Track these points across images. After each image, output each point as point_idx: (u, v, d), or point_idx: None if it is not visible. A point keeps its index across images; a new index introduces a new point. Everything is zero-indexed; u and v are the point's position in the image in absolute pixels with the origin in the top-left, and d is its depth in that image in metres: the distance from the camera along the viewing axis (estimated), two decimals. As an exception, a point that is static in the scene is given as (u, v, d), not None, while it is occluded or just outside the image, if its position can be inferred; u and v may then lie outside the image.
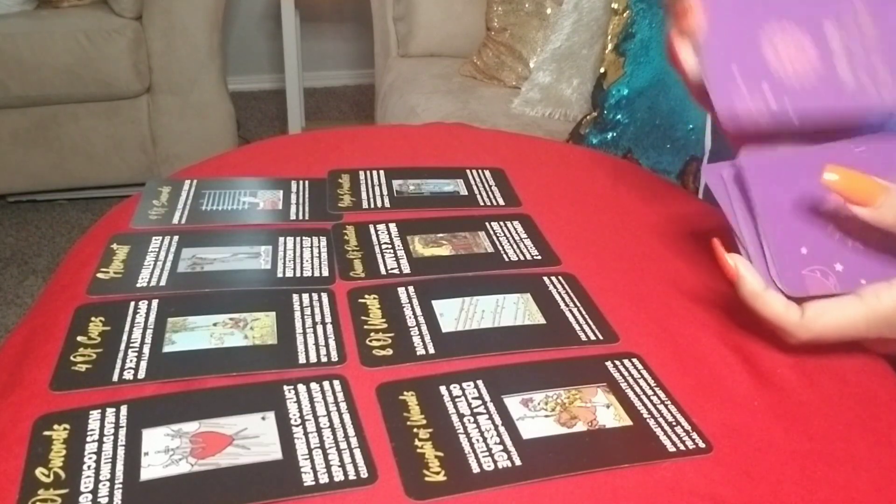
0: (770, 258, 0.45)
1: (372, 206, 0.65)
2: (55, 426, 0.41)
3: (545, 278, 0.56)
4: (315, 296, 0.53)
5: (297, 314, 0.51)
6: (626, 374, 0.47)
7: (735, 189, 0.47)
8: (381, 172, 0.70)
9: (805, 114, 0.46)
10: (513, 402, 0.44)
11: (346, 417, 0.42)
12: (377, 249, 0.59)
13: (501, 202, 0.67)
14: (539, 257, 0.59)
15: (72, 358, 0.46)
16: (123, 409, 0.42)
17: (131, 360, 0.46)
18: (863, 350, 0.50)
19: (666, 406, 0.44)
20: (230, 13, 2.83)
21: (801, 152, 0.48)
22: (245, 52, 3.06)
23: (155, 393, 0.44)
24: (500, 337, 0.50)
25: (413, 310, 0.52)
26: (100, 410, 0.42)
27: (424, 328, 0.50)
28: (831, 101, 0.46)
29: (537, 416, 0.43)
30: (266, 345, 0.48)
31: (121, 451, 0.39)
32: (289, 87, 2.53)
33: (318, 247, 0.59)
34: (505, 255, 0.59)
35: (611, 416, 0.43)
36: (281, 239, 0.59)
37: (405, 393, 0.44)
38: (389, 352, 0.48)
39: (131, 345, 0.47)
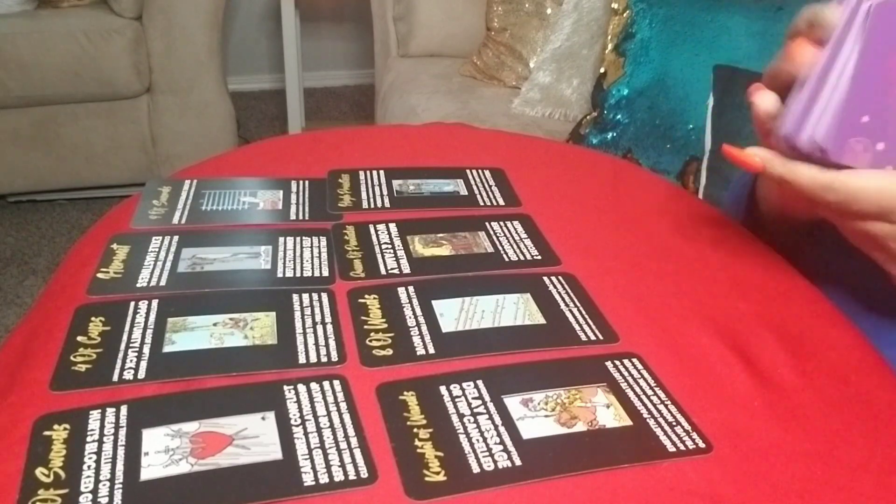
0: (832, 109, 0.44)
1: (372, 206, 0.65)
2: (55, 426, 0.41)
3: (545, 278, 0.56)
4: (315, 296, 0.53)
5: (297, 314, 0.51)
6: (626, 374, 0.47)
7: (858, 22, 0.45)
8: (381, 172, 0.70)
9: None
10: (513, 402, 0.44)
11: (346, 417, 0.42)
12: (377, 249, 0.59)
13: (501, 202, 0.67)
14: (539, 257, 0.59)
15: (72, 358, 0.46)
16: (123, 409, 0.42)
17: (131, 360, 0.46)
18: (863, 350, 0.50)
19: (666, 406, 0.44)
20: (230, 13, 2.83)
21: None
22: (245, 52, 3.06)
23: (155, 393, 0.44)
24: (500, 337, 0.50)
25: (413, 310, 0.52)
26: (100, 410, 0.42)
27: (424, 328, 0.50)
28: None
29: (537, 416, 0.43)
30: (266, 345, 0.48)
31: (121, 451, 0.39)
32: (289, 87, 2.53)
33: (318, 247, 0.59)
34: (505, 255, 0.59)
35: (611, 416, 0.43)
36: (281, 239, 0.59)
37: (405, 393, 0.44)
38: (389, 352, 0.48)
39: (131, 345, 0.47)
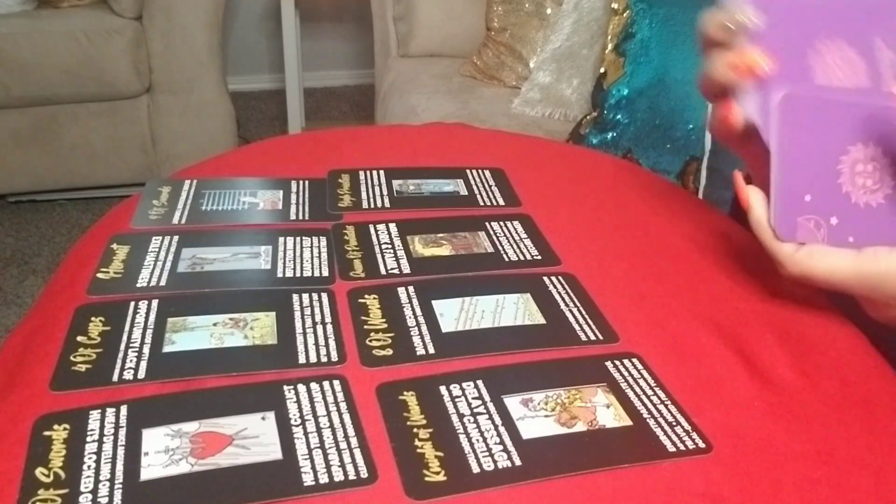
0: (773, 198, 0.46)
1: (372, 206, 0.65)
2: (55, 426, 0.41)
3: (545, 278, 0.56)
4: (315, 296, 0.53)
5: (297, 314, 0.51)
6: (626, 374, 0.47)
7: (774, 116, 0.46)
8: (381, 172, 0.70)
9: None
10: (513, 402, 0.44)
11: (346, 417, 0.42)
12: (377, 249, 0.59)
13: (501, 202, 0.67)
14: (539, 257, 0.59)
15: (72, 358, 0.46)
16: (123, 409, 0.42)
17: (131, 360, 0.46)
18: (863, 350, 0.50)
19: (666, 406, 0.44)
20: (230, 13, 2.83)
21: (850, 100, 0.47)
22: (245, 52, 3.06)
23: (155, 393, 0.44)
24: (500, 337, 0.50)
25: (413, 310, 0.52)
26: (100, 410, 0.42)
27: (424, 328, 0.50)
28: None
29: (537, 416, 0.43)
30: (266, 345, 0.48)
31: (121, 451, 0.39)
32: (289, 87, 2.53)
33: (318, 247, 0.59)
34: (505, 255, 0.59)
35: (611, 416, 0.43)
36: (281, 239, 0.59)
37: (405, 393, 0.44)
38: (389, 352, 0.48)
39: (131, 345, 0.47)
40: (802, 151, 0.45)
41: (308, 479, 0.38)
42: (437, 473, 0.39)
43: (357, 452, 0.40)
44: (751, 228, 0.48)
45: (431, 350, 0.48)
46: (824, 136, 0.46)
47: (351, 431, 0.41)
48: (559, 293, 0.54)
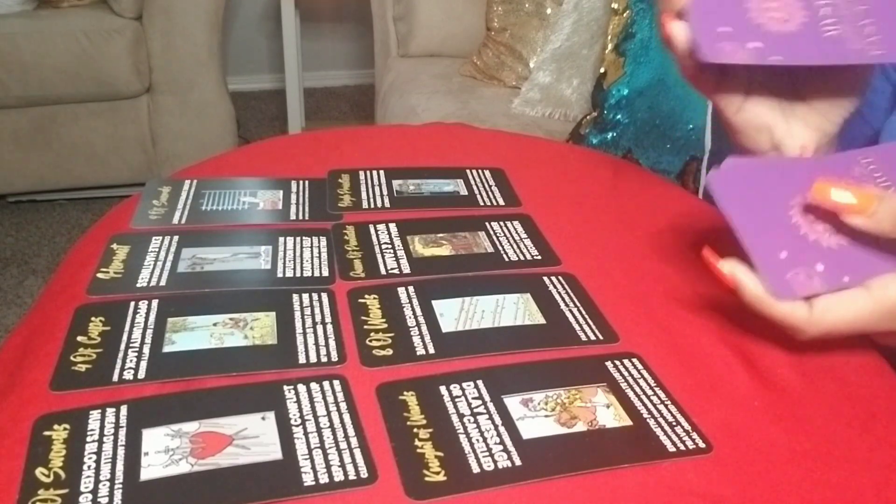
0: (756, 266, 0.46)
1: (372, 206, 0.65)
2: (55, 426, 0.41)
3: (545, 278, 0.56)
4: (315, 296, 0.53)
5: (297, 314, 0.51)
6: (626, 374, 0.47)
7: (716, 190, 0.47)
8: (381, 172, 0.70)
9: (786, 55, 0.47)
10: (513, 402, 0.44)
11: (346, 417, 0.42)
12: (377, 249, 0.59)
13: (501, 202, 0.67)
14: (539, 257, 0.59)
15: (72, 358, 0.46)
16: (123, 409, 0.42)
17: (131, 360, 0.46)
18: (863, 350, 0.50)
19: (666, 406, 0.44)
20: (230, 13, 2.83)
21: (790, 161, 0.49)
22: (245, 52, 3.06)
23: (155, 393, 0.44)
24: (500, 337, 0.50)
25: (413, 310, 0.52)
26: (100, 410, 0.42)
27: (424, 328, 0.50)
28: (813, 51, 0.47)
29: (537, 416, 0.43)
30: (266, 345, 0.48)
31: (121, 451, 0.39)
32: (289, 87, 2.53)
33: (318, 247, 0.59)
34: (505, 255, 0.59)
35: (611, 416, 0.43)
36: (281, 239, 0.59)
37: (405, 393, 0.44)
38: (389, 352, 0.48)
39: (131, 345, 0.47)
40: (755, 214, 0.46)
41: (308, 479, 0.38)
42: (437, 473, 0.39)
43: (357, 452, 0.40)
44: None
45: (431, 350, 0.48)
46: (767, 195, 0.46)
47: (351, 431, 0.41)
48: (559, 293, 0.54)
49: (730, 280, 0.46)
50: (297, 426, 0.42)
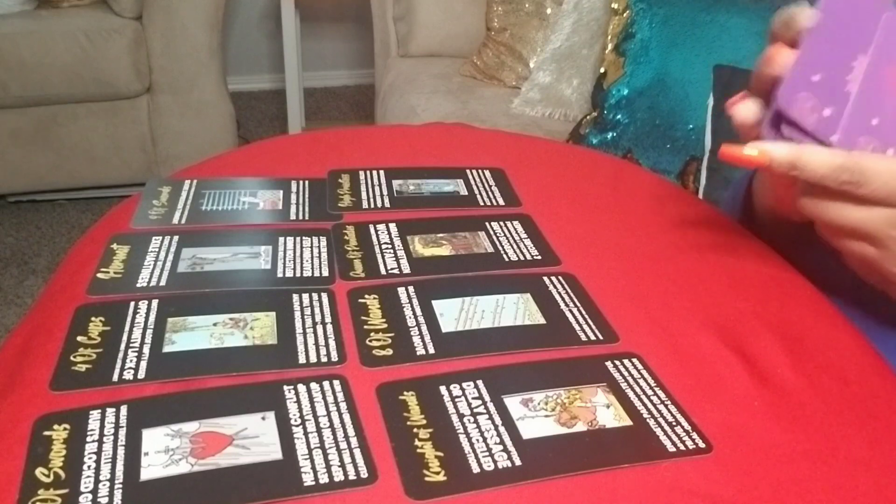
0: (792, 67, 0.46)
1: (372, 206, 0.65)
2: (55, 426, 0.41)
3: (545, 278, 0.56)
4: (315, 296, 0.53)
5: (297, 314, 0.51)
6: (626, 374, 0.47)
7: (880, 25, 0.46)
8: (381, 172, 0.70)
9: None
10: (513, 402, 0.44)
11: (346, 417, 0.42)
12: (377, 249, 0.59)
13: (501, 202, 0.67)
14: (539, 257, 0.59)
15: (72, 358, 0.46)
16: (123, 409, 0.42)
17: (131, 360, 0.46)
18: (863, 350, 0.50)
19: (666, 406, 0.44)
20: (230, 13, 2.83)
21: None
22: (245, 52, 3.06)
23: (155, 393, 0.44)
24: (500, 337, 0.50)
25: (413, 310, 0.52)
26: (100, 410, 0.42)
27: (424, 328, 0.50)
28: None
29: (537, 416, 0.43)
30: (266, 345, 0.48)
31: (121, 451, 0.39)
32: (289, 87, 2.53)
33: (318, 247, 0.59)
34: (505, 255, 0.59)
35: (611, 416, 0.43)
36: (281, 239, 0.59)
37: (405, 393, 0.44)
38: (389, 352, 0.48)
39: (131, 345, 0.47)
40: (837, 29, 0.45)
41: (308, 479, 0.38)
42: (437, 473, 0.39)
43: (357, 452, 0.40)
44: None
45: (431, 350, 0.48)
46: (858, 28, 0.46)
47: (351, 431, 0.41)
48: (559, 293, 0.54)
49: (760, 157, 0.46)
50: (297, 426, 0.42)
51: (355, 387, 0.45)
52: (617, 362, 0.48)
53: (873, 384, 0.47)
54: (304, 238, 0.60)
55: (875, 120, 0.46)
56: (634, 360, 0.48)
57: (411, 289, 0.54)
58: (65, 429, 0.41)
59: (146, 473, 0.38)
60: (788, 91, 0.46)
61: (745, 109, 0.49)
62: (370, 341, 0.49)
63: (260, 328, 0.49)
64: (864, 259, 0.49)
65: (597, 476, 0.39)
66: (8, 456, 0.39)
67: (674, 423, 0.43)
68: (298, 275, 0.55)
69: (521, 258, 0.59)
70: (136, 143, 2.15)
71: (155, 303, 0.51)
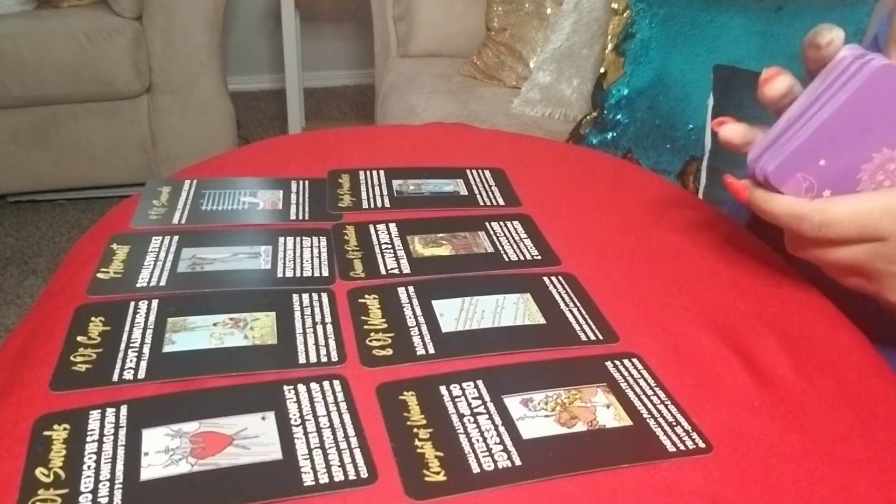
0: (794, 141, 0.45)
1: (372, 206, 0.65)
2: (55, 426, 0.41)
3: (545, 278, 0.56)
4: (315, 296, 0.53)
5: (297, 314, 0.51)
6: (626, 374, 0.47)
7: (847, 71, 0.45)
8: (381, 172, 0.70)
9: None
10: (513, 402, 0.44)
11: (346, 417, 0.42)
12: (377, 249, 0.59)
13: (501, 202, 0.67)
14: (539, 257, 0.59)
15: (72, 358, 0.46)
16: (123, 409, 0.42)
17: (131, 360, 0.46)
18: (863, 350, 0.50)
19: (666, 406, 0.44)
20: (230, 13, 2.83)
21: None
22: (245, 52, 3.06)
23: (155, 393, 0.44)
24: (500, 337, 0.50)
25: (413, 310, 0.52)
26: (100, 410, 0.42)
27: (424, 328, 0.50)
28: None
29: (537, 416, 0.43)
30: (266, 345, 0.48)
31: (121, 451, 0.39)
32: (289, 87, 2.53)
33: (318, 247, 0.59)
34: (505, 255, 0.59)
35: (611, 416, 0.43)
36: (281, 239, 0.59)
37: (405, 393, 0.44)
38: (389, 352, 0.48)
39: (131, 345, 0.47)
40: (857, 120, 0.45)
41: (308, 479, 0.38)
42: (437, 473, 0.39)
43: (357, 452, 0.40)
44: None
45: (431, 350, 0.48)
46: (884, 120, 0.45)
47: (351, 431, 0.41)
48: (559, 293, 0.54)
49: (739, 186, 0.49)
50: (297, 426, 0.42)
51: (355, 387, 0.45)
52: (617, 362, 0.48)
53: (873, 384, 0.47)
54: (304, 238, 0.60)
55: (822, 161, 0.46)
56: (634, 360, 0.48)
57: (411, 289, 0.54)
58: (65, 429, 0.41)
59: (146, 473, 0.38)
60: (786, 167, 0.45)
61: (729, 131, 0.50)
62: (370, 341, 0.49)
63: (260, 328, 0.49)
64: (864, 292, 0.50)
65: (597, 476, 0.39)
66: (8, 456, 0.39)
67: (674, 423, 0.43)
68: (298, 275, 0.55)
69: (521, 258, 0.59)
70: (136, 143, 2.15)
71: (155, 303, 0.51)
